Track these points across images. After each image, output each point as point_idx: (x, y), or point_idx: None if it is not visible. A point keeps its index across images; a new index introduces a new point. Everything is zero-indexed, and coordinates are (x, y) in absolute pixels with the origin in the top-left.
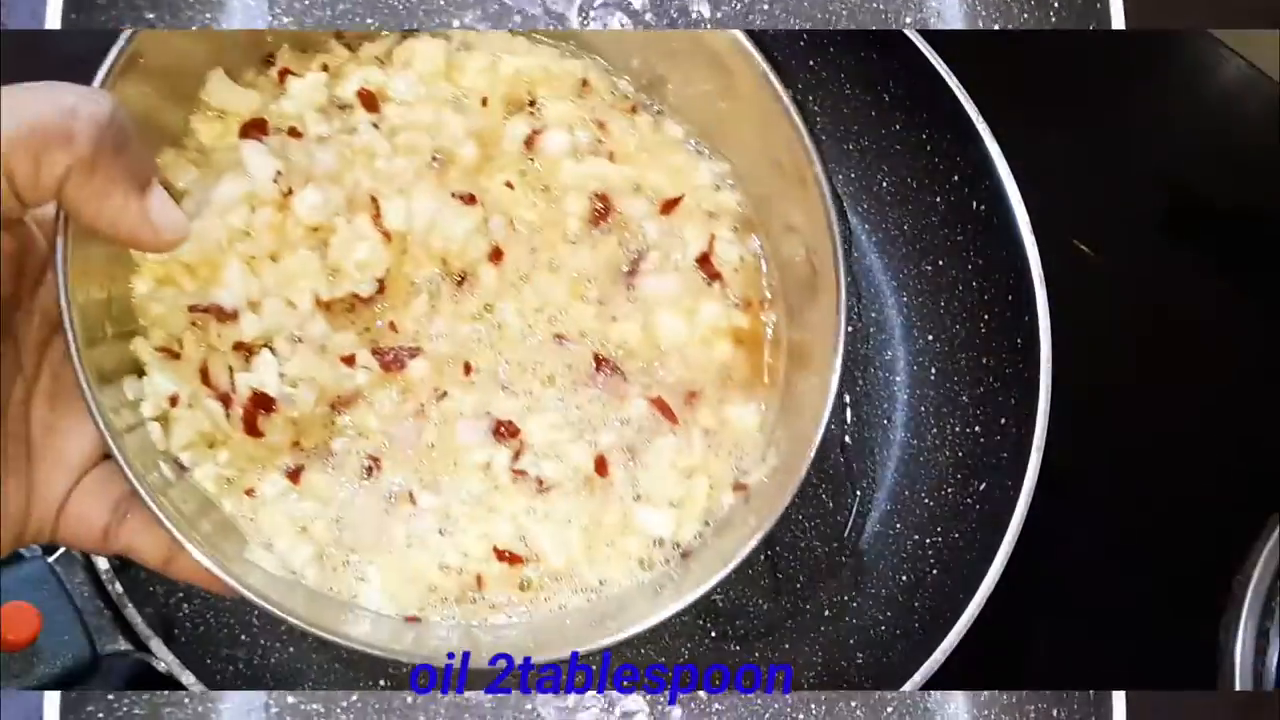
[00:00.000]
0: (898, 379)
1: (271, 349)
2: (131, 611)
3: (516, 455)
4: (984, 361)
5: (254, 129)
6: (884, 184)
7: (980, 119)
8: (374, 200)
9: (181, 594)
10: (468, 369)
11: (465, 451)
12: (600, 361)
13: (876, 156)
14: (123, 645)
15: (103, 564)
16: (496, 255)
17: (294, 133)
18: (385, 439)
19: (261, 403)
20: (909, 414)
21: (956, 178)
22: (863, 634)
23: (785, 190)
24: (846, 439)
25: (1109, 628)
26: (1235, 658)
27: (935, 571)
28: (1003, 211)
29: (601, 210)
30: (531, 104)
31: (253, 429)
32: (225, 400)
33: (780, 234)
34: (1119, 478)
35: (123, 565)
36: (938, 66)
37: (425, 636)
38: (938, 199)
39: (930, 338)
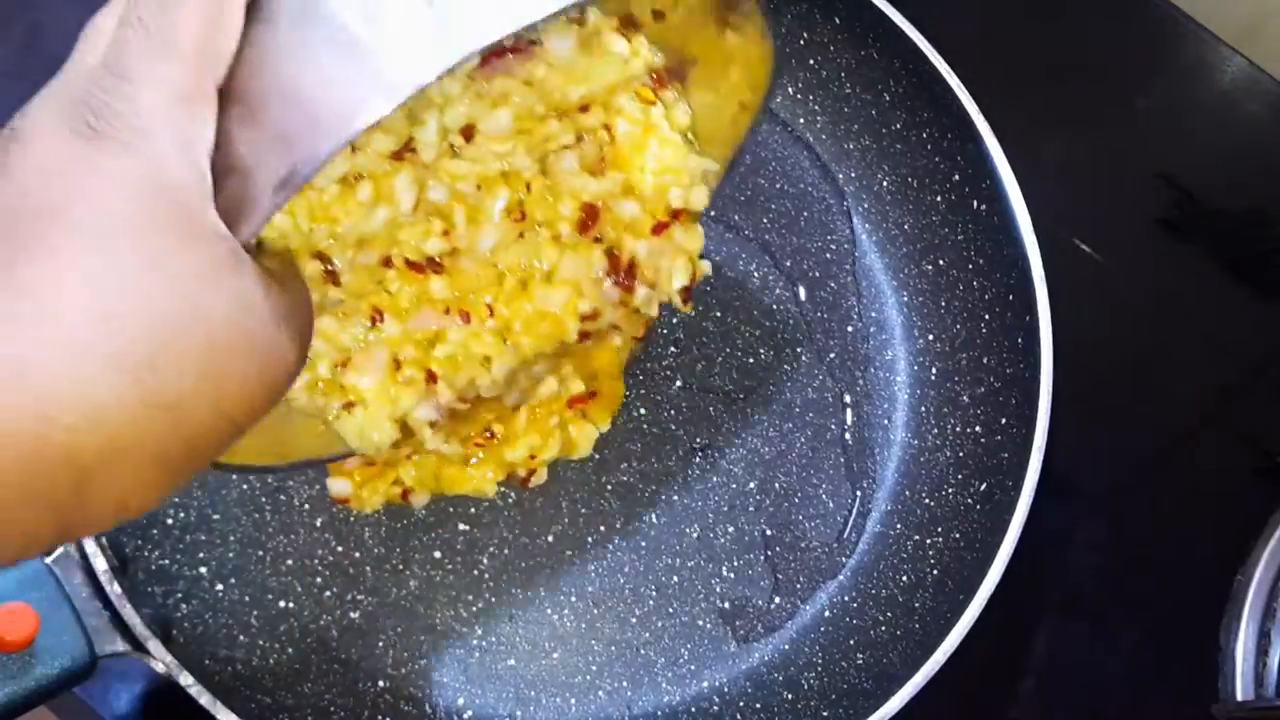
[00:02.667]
0: (898, 379)
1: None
2: (130, 612)
3: None
4: (984, 361)
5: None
6: (884, 184)
7: (980, 119)
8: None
9: (180, 595)
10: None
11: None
12: None
13: (876, 156)
14: (121, 646)
15: (101, 564)
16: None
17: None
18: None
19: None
20: (909, 414)
21: (956, 178)
22: (863, 634)
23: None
24: (847, 439)
25: (1109, 628)
26: (1236, 659)
27: (935, 571)
28: (1003, 211)
29: (589, 218)
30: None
31: None
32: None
33: None
34: (1119, 478)
35: (122, 566)
36: (938, 66)
37: None
38: (938, 199)
39: (930, 338)
